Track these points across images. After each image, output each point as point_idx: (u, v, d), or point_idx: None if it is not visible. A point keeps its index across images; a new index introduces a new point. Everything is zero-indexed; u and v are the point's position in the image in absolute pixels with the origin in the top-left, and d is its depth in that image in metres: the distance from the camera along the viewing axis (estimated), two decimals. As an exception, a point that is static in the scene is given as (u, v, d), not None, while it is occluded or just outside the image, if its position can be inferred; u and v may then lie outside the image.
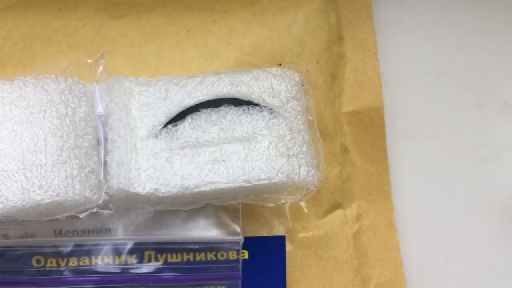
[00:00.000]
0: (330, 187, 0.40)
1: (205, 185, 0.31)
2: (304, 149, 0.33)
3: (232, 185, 0.31)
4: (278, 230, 0.38)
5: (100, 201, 0.31)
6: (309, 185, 0.32)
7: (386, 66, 0.42)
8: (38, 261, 0.34)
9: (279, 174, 0.31)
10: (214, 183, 0.31)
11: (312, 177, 0.32)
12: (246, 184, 0.31)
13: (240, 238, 0.35)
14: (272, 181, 0.31)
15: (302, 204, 0.39)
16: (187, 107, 0.33)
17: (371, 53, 0.41)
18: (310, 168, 0.32)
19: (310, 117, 0.34)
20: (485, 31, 0.44)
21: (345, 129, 0.41)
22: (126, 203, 0.32)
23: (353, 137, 0.41)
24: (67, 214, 0.31)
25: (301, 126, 0.33)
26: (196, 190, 0.31)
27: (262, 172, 0.32)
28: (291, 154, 0.32)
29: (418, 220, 0.41)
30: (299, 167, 0.32)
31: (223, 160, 0.32)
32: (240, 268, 0.35)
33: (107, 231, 0.35)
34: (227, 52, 0.39)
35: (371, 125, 0.41)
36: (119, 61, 0.38)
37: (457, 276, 0.41)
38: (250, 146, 0.32)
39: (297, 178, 0.32)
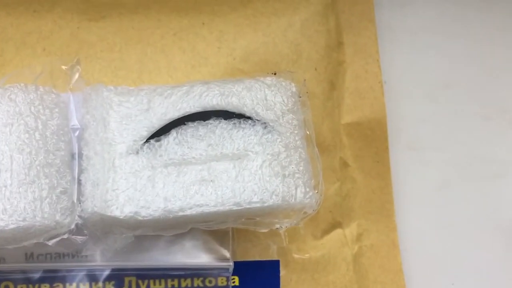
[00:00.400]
0: (329, 204, 0.38)
1: (190, 208, 0.29)
2: (301, 168, 0.30)
3: (221, 208, 0.29)
4: (272, 252, 0.36)
5: (73, 226, 0.29)
6: (306, 208, 0.30)
7: (388, 74, 0.40)
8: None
9: (274, 197, 0.29)
10: (201, 206, 0.28)
11: (310, 199, 0.30)
12: (237, 208, 0.29)
13: (230, 265, 0.32)
14: (266, 204, 0.29)
15: (301, 226, 0.37)
16: (171, 120, 0.30)
17: (373, 60, 0.39)
18: (307, 189, 0.30)
19: (308, 132, 0.32)
20: (494, 41, 0.42)
21: (345, 142, 0.39)
22: (103, 227, 0.30)
23: (353, 150, 0.38)
24: (35, 241, 0.28)
25: (297, 142, 0.31)
26: (181, 213, 0.29)
27: (255, 194, 0.29)
28: (286, 173, 0.30)
29: (422, 240, 0.39)
30: (296, 188, 0.29)
31: (211, 180, 0.29)
32: (230, 296, 0.33)
33: (82, 255, 0.32)
34: (217, 58, 0.36)
35: (372, 138, 0.39)
36: (98, 67, 0.35)
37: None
38: (241, 165, 0.30)
39: (293, 200, 0.29)
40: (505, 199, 0.40)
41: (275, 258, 0.35)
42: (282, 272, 0.35)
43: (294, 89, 0.32)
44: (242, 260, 0.34)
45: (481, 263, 0.40)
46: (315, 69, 0.38)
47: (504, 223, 0.40)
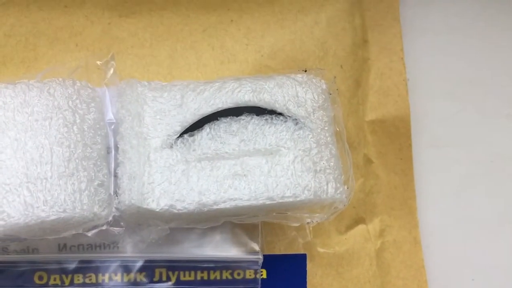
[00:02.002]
0: (353, 200, 0.38)
1: (224, 202, 0.29)
2: (332, 163, 0.31)
3: (254, 202, 0.29)
4: (297, 246, 0.36)
5: (110, 218, 0.29)
6: (337, 203, 0.31)
7: (412, 72, 0.40)
8: (40, 278, 0.32)
9: (306, 191, 0.29)
10: (234, 200, 0.29)
11: (340, 195, 0.30)
12: (270, 202, 0.29)
13: (260, 258, 0.33)
14: (298, 199, 0.29)
15: (327, 221, 0.37)
16: (204, 115, 0.31)
17: (398, 58, 0.39)
18: (338, 184, 0.31)
19: (338, 128, 0.33)
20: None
21: (369, 139, 0.39)
22: (138, 219, 0.30)
23: (376, 147, 0.39)
24: (74, 232, 0.29)
25: (328, 139, 0.31)
26: (215, 207, 0.29)
27: (287, 189, 0.30)
28: (318, 169, 0.30)
29: (444, 236, 0.40)
30: (327, 184, 0.30)
31: (244, 175, 0.30)
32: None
33: (115, 247, 0.33)
34: (245, 55, 0.37)
35: (396, 135, 0.39)
36: (130, 63, 0.36)
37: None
38: (273, 160, 0.30)
39: (325, 195, 0.30)
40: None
41: (301, 252, 0.36)
42: (308, 266, 0.36)
43: (324, 86, 0.32)
44: (269, 254, 0.35)
45: (501, 260, 0.40)
46: (341, 67, 0.39)
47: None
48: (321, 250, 0.37)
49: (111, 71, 0.33)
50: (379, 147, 0.39)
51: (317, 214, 0.31)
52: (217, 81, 0.32)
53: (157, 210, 0.29)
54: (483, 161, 0.41)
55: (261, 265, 0.33)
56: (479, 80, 0.41)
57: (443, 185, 0.40)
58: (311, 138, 0.31)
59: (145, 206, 0.29)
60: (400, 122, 0.39)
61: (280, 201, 0.29)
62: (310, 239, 0.37)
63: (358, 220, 0.38)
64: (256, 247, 0.33)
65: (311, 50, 0.38)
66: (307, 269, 0.35)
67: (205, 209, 0.29)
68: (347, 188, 0.31)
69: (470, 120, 0.41)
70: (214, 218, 0.31)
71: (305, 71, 0.33)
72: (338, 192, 0.30)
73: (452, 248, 0.40)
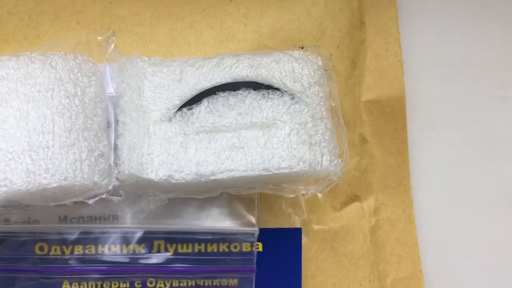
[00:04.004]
0: (348, 178, 0.39)
1: (221, 172, 0.30)
2: (327, 137, 0.31)
3: (251, 173, 0.30)
4: (293, 222, 0.37)
5: (110, 187, 0.30)
6: (331, 176, 0.31)
7: (408, 54, 0.41)
8: (41, 248, 0.33)
9: (301, 163, 0.30)
10: (231, 171, 0.30)
11: (335, 167, 0.31)
12: (266, 173, 0.30)
13: (256, 230, 0.33)
14: (293, 170, 0.30)
15: (319, 195, 0.38)
16: (203, 90, 0.31)
17: (394, 40, 0.40)
18: (333, 157, 0.31)
19: (333, 104, 0.33)
20: (512, 22, 0.43)
21: (364, 118, 0.39)
22: (137, 190, 0.31)
23: (372, 126, 0.39)
24: (75, 200, 0.29)
25: (323, 113, 0.32)
26: (212, 177, 0.30)
27: (283, 161, 0.30)
28: (313, 142, 0.31)
29: (437, 215, 0.40)
30: (322, 156, 0.30)
31: (241, 147, 0.30)
32: (254, 261, 0.33)
33: (114, 218, 0.33)
34: (244, 34, 0.37)
35: (391, 115, 0.39)
36: (130, 41, 0.36)
37: (477, 274, 0.40)
38: (270, 133, 0.31)
39: (319, 167, 0.30)
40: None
41: (297, 226, 0.37)
42: (304, 241, 0.37)
43: (320, 63, 0.33)
44: (265, 227, 0.36)
45: (494, 239, 0.41)
46: (338, 47, 0.39)
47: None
48: (316, 226, 0.38)
49: (112, 46, 0.33)
50: (375, 126, 0.39)
51: (312, 187, 0.31)
52: (216, 57, 0.33)
53: (156, 180, 0.30)
54: (477, 142, 0.41)
55: (257, 237, 0.33)
56: (474, 62, 0.42)
57: (437, 165, 0.41)
58: (306, 112, 0.31)
59: (144, 176, 0.30)
60: (396, 102, 0.39)
61: (276, 172, 0.30)
62: (306, 215, 0.37)
63: (353, 198, 0.39)
64: (253, 219, 0.33)
65: (309, 30, 0.38)
66: (302, 243, 0.36)
67: (203, 179, 0.30)
68: (342, 161, 0.32)
69: (465, 102, 0.41)
70: (212, 189, 0.31)
71: (302, 48, 0.34)
72: (332, 164, 0.31)
73: (445, 227, 0.40)
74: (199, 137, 0.31)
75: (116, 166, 0.31)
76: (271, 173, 0.30)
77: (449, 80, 0.41)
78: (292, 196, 0.32)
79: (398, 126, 0.40)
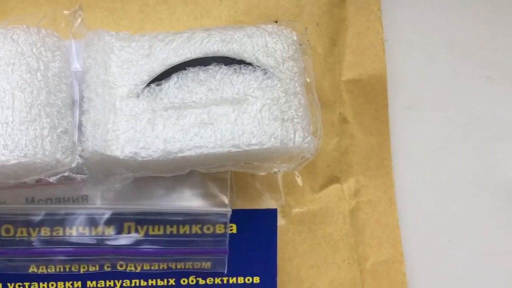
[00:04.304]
0: (327, 159, 0.38)
1: (190, 149, 0.29)
2: (300, 113, 0.30)
3: (220, 150, 0.29)
4: (270, 204, 0.36)
5: (74, 165, 0.29)
6: (304, 153, 0.30)
7: (390, 33, 0.40)
8: (7, 230, 0.32)
9: (272, 139, 0.29)
10: (200, 148, 0.28)
11: (308, 144, 0.29)
12: (235, 150, 0.29)
13: (228, 210, 0.32)
14: (264, 147, 0.29)
15: (297, 177, 0.37)
16: (172, 65, 0.30)
17: (375, 17, 0.38)
18: (306, 134, 0.30)
19: (308, 80, 0.32)
20: (498, 1, 0.41)
21: (345, 98, 0.38)
22: (103, 168, 0.29)
23: (353, 107, 0.38)
24: (36, 177, 0.28)
25: (297, 89, 0.31)
26: (180, 155, 0.29)
27: (253, 137, 0.29)
28: (285, 118, 0.30)
29: (419, 197, 0.39)
30: (294, 133, 0.29)
31: (211, 123, 0.29)
32: (227, 242, 0.32)
33: (83, 199, 0.32)
34: (219, 11, 0.36)
35: (372, 95, 0.38)
36: (101, 17, 0.35)
37: (460, 257, 0.39)
38: (240, 109, 0.30)
39: (291, 144, 0.29)
40: (504, 160, 0.40)
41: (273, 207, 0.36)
42: (281, 223, 0.36)
43: (295, 37, 0.32)
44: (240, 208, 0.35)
45: (477, 222, 0.40)
46: (317, 25, 0.38)
47: (502, 184, 0.40)
48: (294, 208, 0.37)
49: (79, 21, 0.32)
50: (355, 106, 0.38)
51: (285, 164, 0.30)
52: (187, 32, 0.32)
53: (121, 157, 0.28)
54: (462, 123, 0.40)
55: (229, 218, 0.32)
56: (459, 41, 0.41)
57: (420, 147, 0.40)
58: (279, 87, 0.30)
59: (109, 153, 0.29)
60: (377, 81, 0.38)
61: (246, 148, 0.29)
62: (283, 197, 0.36)
63: (333, 179, 0.38)
64: (225, 199, 0.32)
65: (286, 7, 0.37)
66: (279, 225, 0.35)
67: (170, 157, 0.29)
68: (316, 137, 0.30)
69: (449, 82, 0.40)
70: (180, 167, 0.30)
71: (276, 22, 0.33)
72: (305, 141, 0.29)
73: (427, 209, 0.39)
74: (168, 113, 0.30)
75: (80, 144, 0.29)
76: (241, 149, 0.29)
77: (433, 60, 0.40)
78: (264, 173, 0.31)
79: (379, 106, 0.39)
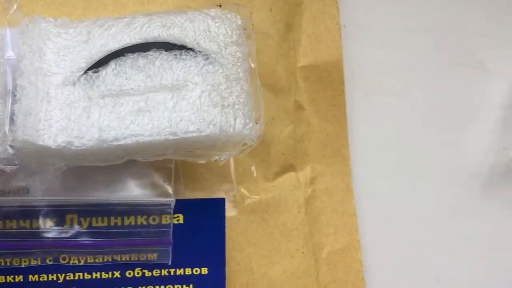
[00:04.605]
0: (282, 147, 0.37)
1: (125, 138, 0.28)
2: (242, 99, 0.29)
3: (157, 138, 0.28)
4: (222, 194, 0.35)
5: (4, 155, 0.27)
6: (246, 140, 0.29)
7: (347, 18, 0.39)
8: None
9: (211, 126, 0.28)
10: (136, 136, 0.27)
11: (249, 131, 0.29)
12: (173, 137, 0.28)
13: (172, 200, 0.31)
14: (202, 134, 0.28)
15: (251, 166, 0.36)
16: (111, 51, 0.29)
17: (331, 2, 0.37)
18: (247, 120, 0.29)
19: (253, 65, 0.31)
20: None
21: (300, 85, 0.38)
22: (36, 159, 0.28)
23: (309, 93, 0.37)
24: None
25: (240, 74, 0.30)
26: (115, 143, 0.28)
27: (191, 124, 0.28)
28: (226, 104, 0.29)
29: (377, 185, 0.38)
30: (235, 119, 0.28)
31: (148, 110, 0.28)
32: (171, 233, 0.31)
33: (24, 192, 0.31)
34: (166, -5, 0.35)
35: (328, 81, 0.38)
36: (41, 3, 0.34)
37: (418, 245, 0.38)
38: (179, 95, 0.29)
39: (231, 130, 0.28)
40: (465, 147, 0.39)
41: (225, 199, 0.35)
42: (232, 213, 0.35)
43: (239, 22, 0.31)
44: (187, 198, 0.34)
45: (436, 208, 0.39)
46: (270, 10, 0.37)
47: (462, 171, 0.39)
48: (246, 197, 0.35)
49: (14, 7, 0.31)
50: (312, 93, 0.38)
51: (226, 152, 0.29)
52: (127, 17, 0.30)
53: (54, 147, 0.27)
54: (422, 110, 0.39)
55: (173, 207, 0.31)
56: (419, 25, 0.40)
57: (377, 134, 0.39)
58: (221, 73, 0.29)
59: (40, 143, 0.27)
60: (333, 67, 0.38)
61: (184, 136, 0.28)
62: (235, 186, 0.36)
63: (288, 168, 0.37)
64: (169, 189, 0.31)
65: (237, -9, 0.37)
66: (230, 216, 0.34)
67: (105, 145, 0.28)
68: (258, 124, 0.29)
69: (409, 68, 0.39)
70: (117, 156, 0.29)
71: (220, 6, 0.32)
72: (247, 128, 0.28)
73: (385, 197, 0.39)
74: (104, 101, 0.29)
75: (11, 133, 0.28)
76: (178, 137, 0.28)
77: (392, 45, 0.39)
78: (203, 161, 0.30)
79: (335, 92, 0.38)
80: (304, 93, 0.38)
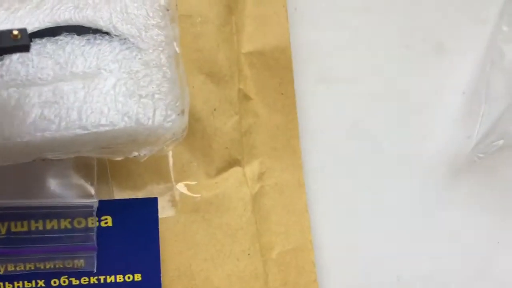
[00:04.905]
0: (225, 141, 0.34)
1: (29, 133, 0.25)
2: (164, 88, 0.26)
3: (65, 133, 0.25)
4: (156, 191, 0.32)
5: None
6: (168, 134, 0.26)
7: (298, 1, 0.37)
8: None
9: (126, 119, 0.25)
10: (41, 131, 0.25)
11: (171, 123, 0.26)
12: (83, 132, 0.25)
13: (94, 201, 0.28)
14: (116, 127, 0.25)
15: (191, 162, 0.34)
16: (18, 37, 0.27)
17: (278, -18, 0.36)
18: (169, 112, 0.26)
19: (177, 50, 0.28)
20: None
21: (246, 73, 0.35)
22: None
23: (255, 82, 0.35)
24: None
25: (162, 61, 0.27)
26: (19, 140, 0.25)
27: (103, 116, 0.25)
28: (144, 94, 0.26)
29: (331, 178, 0.36)
30: (154, 111, 0.26)
31: (56, 102, 0.25)
32: (94, 238, 0.29)
33: None
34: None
35: (276, 68, 0.35)
36: None
37: (376, 243, 0.36)
38: (91, 85, 0.26)
39: (150, 123, 0.25)
40: (426, 134, 0.37)
41: (161, 199, 0.32)
42: (169, 213, 0.32)
43: (162, 2, 0.27)
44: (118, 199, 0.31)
45: (397, 203, 0.37)
46: (208, -10, 0.35)
47: (423, 161, 0.37)
48: (185, 195, 0.33)
49: None
50: (258, 82, 0.35)
51: (147, 147, 0.27)
52: (37, -2, 0.28)
53: None
54: (378, 95, 0.37)
55: (96, 210, 0.29)
56: (374, 6, 0.37)
57: (331, 123, 0.37)
58: (139, 59, 0.26)
59: None
60: (280, 54, 0.35)
61: (95, 130, 0.25)
62: (173, 184, 0.33)
63: (232, 163, 0.34)
64: (91, 190, 0.28)
65: (171, -29, 0.34)
66: (167, 216, 0.31)
67: (8, 142, 0.25)
68: (182, 115, 0.27)
69: (364, 52, 0.37)
70: (23, 154, 0.26)
71: (141, -15, 0.29)
72: (168, 120, 0.26)
73: (340, 191, 0.36)
74: (8, 92, 0.25)
75: None
76: (89, 131, 0.25)
77: (346, 27, 0.37)
78: (120, 158, 0.27)
79: (284, 80, 0.35)
80: (250, 82, 0.35)
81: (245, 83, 0.35)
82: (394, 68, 0.38)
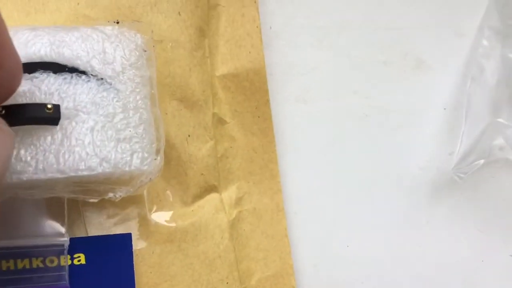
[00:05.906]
0: (200, 167, 0.37)
1: (5, 175, 0.28)
2: (140, 131, 0.30)
3: (42, 176, 0.28)
4: (131, 224, 0.35)
5: None
6: (144, 176, 0.30)
7: (274, 19, 0.40)
8: None
9: (104, 164, 0.28)
10: (18, 173, 0.28)
11: (148, 166, 0.29)
12: (61, 175, 0.28)
13: (64, 240, 0.31)
14: (94, 173, 0.28)
15: (166, 191, 0.37)
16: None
17: (250, 2, 0.38)
18: (146, 154, 0.29)
19: (152, 91, 0.31)
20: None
21: (220, 96, 0.38)
22: None
23: (230, 105, 0.38)
24: None
25: (139, 102, 0.30)
26: (-5, 183, 0.28)
27: (81, 161, 0.28)
28: (121, 137, 0.29)
29: (311, 201, 0.39)
30: (132, 155, 0.29)
31: (33, 144, 0.28)
32: (66, 277, 0.32)
33: None
34: (57, 3, 0.34)
35: (251, 90, 0.38)
36: None
37: (359, 266, 0.39)
38: (69, 127, 0.29)
39: (127, 168, 0.29)
40: (406, 152, 0.41)
41: (135, 230, 0.35)
42: (143, 245, 0.35)
43: (139, 41, 0.31)
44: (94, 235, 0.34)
45: (378, 222, 0.40)
46: (179, 14, 0.37)
47: (404, 179, 0.40)
48: (160, 225, 0.36)
49: None
50: (234, 105, 0.38)
51: (123, 187, 0.30)
52: (9, 30, 0.30)
53: None
54: (357, 114, 0.40)
55: (67, 248, 0.32)
56: (351, 23, 0.41)
57: (309, 144, 0.40)
58: (116, 101, 0.29)
59: None
60: (255, 75, 0.38)
61: (73, 175, 0.28)
62: (148, 214, 0.36)
63: (208, 189, 0.37)
64: (62, 229, 0.31)
65: (141, -5, 0.36)
66: (141, 247, 0.35)
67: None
68: (158, 158, 0.30)
69: (342, 70, 0.40)
70: (-2, 195, 0.29)
71: (117, 22, 0.32)
72: (145, 163, 0.29)
73: (321, 214, 0.40)
74: (-18, 135, 0.29)
75: None
76: (67, 175, 0.28)
77: (322, 46, 0.40)
78: (95, 200, 0.31)
79: (260, 102, 0.39)
80: (224, 105, 0.38)
81: (220, 106, 0.38)
82: (374, 85, 0.41)
